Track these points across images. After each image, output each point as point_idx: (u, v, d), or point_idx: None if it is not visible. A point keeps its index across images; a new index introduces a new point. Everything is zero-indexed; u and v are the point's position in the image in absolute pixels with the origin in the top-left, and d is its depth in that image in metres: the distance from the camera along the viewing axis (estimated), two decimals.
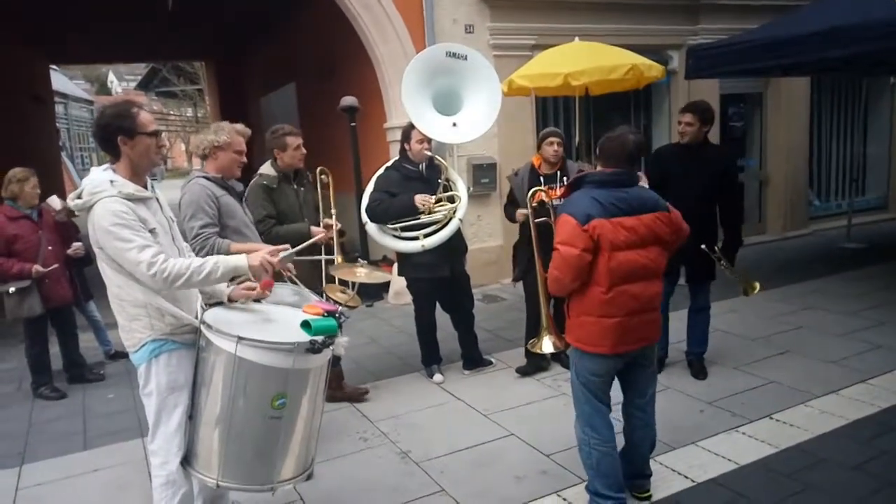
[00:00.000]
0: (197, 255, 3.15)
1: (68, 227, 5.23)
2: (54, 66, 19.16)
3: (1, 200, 4.95)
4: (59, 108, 22.18)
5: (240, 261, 2.64)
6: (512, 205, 4.77)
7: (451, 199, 4.63)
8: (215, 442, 2.58)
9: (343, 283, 4.30)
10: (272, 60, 13.01)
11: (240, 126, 3.67)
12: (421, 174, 4.65)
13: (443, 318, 4.98)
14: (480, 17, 7.33)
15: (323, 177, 4.42)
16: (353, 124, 6.95)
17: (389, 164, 4.82)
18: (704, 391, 4.42)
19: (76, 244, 5.15)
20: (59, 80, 23.23)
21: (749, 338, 5.40)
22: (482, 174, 7.34)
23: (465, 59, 4.81)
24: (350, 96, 6.91)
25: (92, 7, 10.47)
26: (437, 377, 4.88)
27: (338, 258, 4.15)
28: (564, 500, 3.28)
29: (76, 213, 2.61)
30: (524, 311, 4.95)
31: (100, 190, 2.49)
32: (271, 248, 2.80)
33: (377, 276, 4.41)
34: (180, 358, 2.64)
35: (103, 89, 42.21)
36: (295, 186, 4.28)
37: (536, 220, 4.24)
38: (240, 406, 2.53)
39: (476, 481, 3.48)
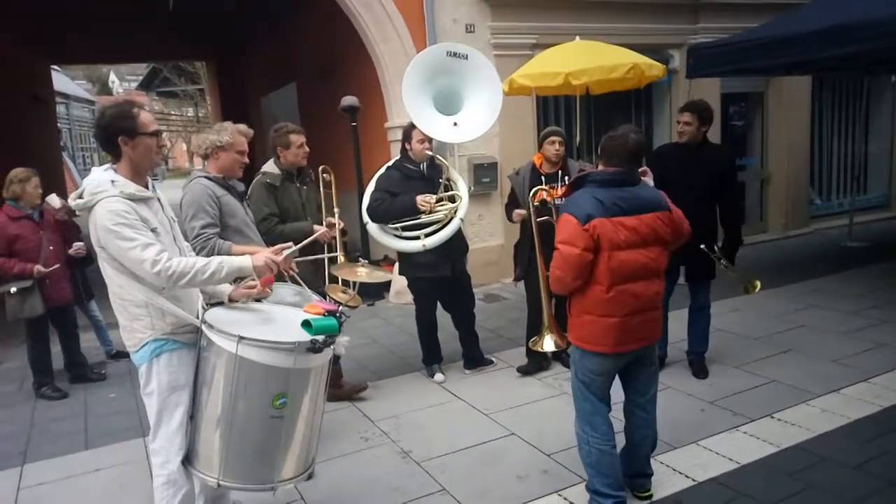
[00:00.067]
0: (197, 255, 3.16)
1: (70, 227, 5.23)
2: (56, 67, 19.19)
3: (2, 201, 4.96)
4: (60, 109, 22.21)
5: (244, 262, 2.65)
6: (513, 204, 4.77)
7: (452, 199, 4.63)
8: (216, 441, 2.58)
9: (344, 282, 4.30)
10: (273, 60, 13.01)
11: (242, 126, 3.67)
12: (422, 174, 4.65)
13: (444, 318, 4.98)
14: (481, 17, 7.33)
15: (325, 175, 4.42)
16: (353, 124, 6.96)
17: (390, 163, 4.82)
18: (705, 390, 4.42)
19: (78, 244, 5.15)
20: (61, 80, 23.25)
21: (750, 337, 5.40)
22: (483, 173, 7.35)
23: (466, 58, 4.81)
24: (351, 96, 6.91)
25: (92, 7, 10.49)
26: (438, 376, 4.89)
27: (341, 257, 4.16)
28: (566, 499, 3.28)
29: (77, 212, 2.61)
30: (525, 311, 4.96)
31: (101, 190, 2.49)
32: (273, 248, 2.81)
33: (378, 276, 4.42)
34: (181, 357, 2.65)
35: (105, 89, 42.22)
36: (298, 185, 4.28)
37: (538, 220, 4.24)
38: (241, 406, 2.53)
39: (477, 481, 3.48)
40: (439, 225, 4.55)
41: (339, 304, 3.74)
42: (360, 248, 6.65)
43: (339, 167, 4.59)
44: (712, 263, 4.43)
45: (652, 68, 5.63)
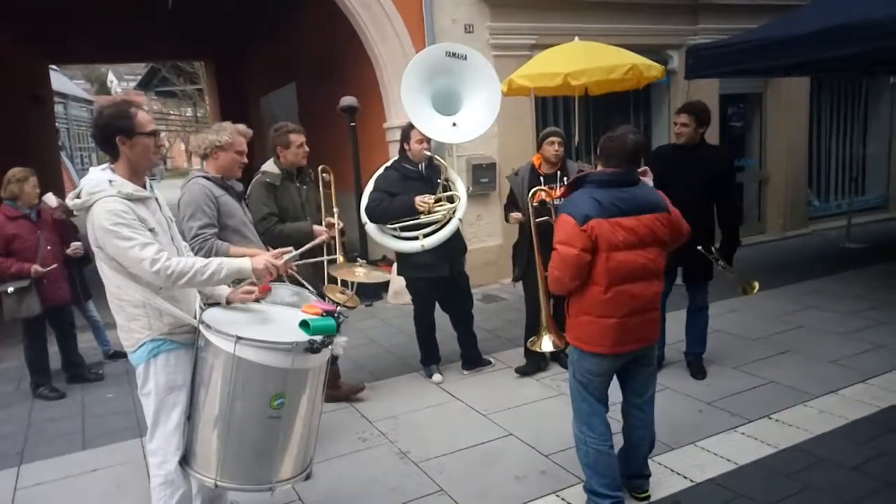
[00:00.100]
0: (195, 255, 3.15)
1: (67, 227, 5.23)
2: (54, 66, 19.17)
3: (0, 200, 4.95)
4: (58, 108, 22.17)
5: (244, 263, 2.65)
6: (512, 205, 4.76)
7: (451, 199, 4.63)
8: (214, 442, 2.57)
9: (342, 282, 4.30)
10: (272, 60, 13.01)
11: (241, 126, 3.67)
12: (420, 174, 4.65)
13: (442, 318, 4.97)
14: (480, 17, 7.33)
15: (325, 175, 4.41)
16: (352, 124, 6.95)
17: (389, 163, 4.82)
18: (703, 391, 4.42)
19: (75, 244, 5.14)
20: (59, 79, 23.23)
21: (748, 338, 5.40)
22: (482, 174, 7.34)
23: (465, 58, 4.81)
24: (349, 96, 6.91)
25: (92, 7, 10.48)
26: (437, 377, 4.88)
27: (340, 258, 4.15)
28: (563, 500, 3.28)
29: (75, 212, 2.61)
30: (523, 311, 4.95)
31: (98, 190, 2.49)
32: (273, 252, 2.80)
33: (376, 276, 4.41)
34: (179, 358, 2.64)
35: (103, 89, 42.19)
36: (298, 184, 4.27)
37: (537, 220, 4.24)
38: (238, 406, 2.53)
39: (475, 481, 3.48)
40: (438, 225, 4.55)
41: (337, 304, 3.74)
42: (358, 249, 6.64)
43: (338, 167, 4.58)
44: (710, 264, 4.43)
45: (651, 69, 5.63)
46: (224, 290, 2.85)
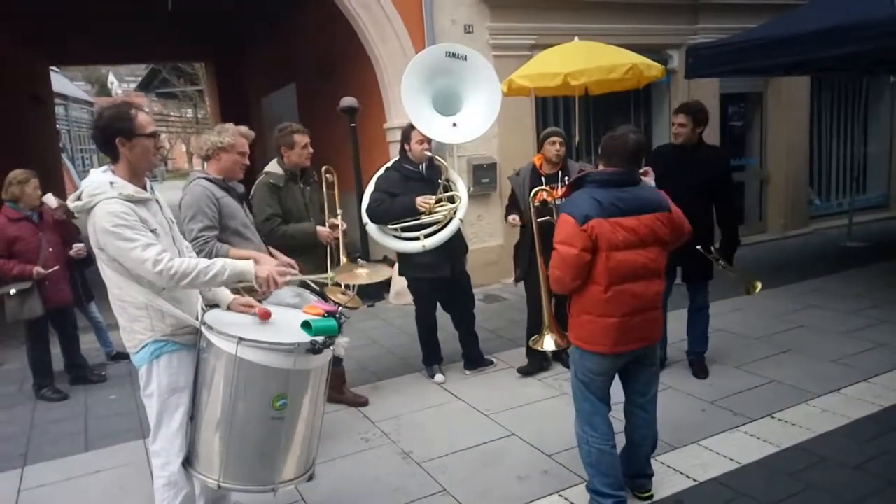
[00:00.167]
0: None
1: (70, 228, 5.23)
2: (55, 68, 19.18)
3: (1, 202, 4.95)
4: (59, 110, 22.20)
5: (247, 266, 2.65)
6: (513, 205, 4.77)
7: (452, 200, 4.63)
8: (216, 443, 2.58)
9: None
10: (272, 61, 13.01)
11: (243, 128, 3.66)
12: (421, 174, 4.65)
13: (444, 318, 4.98)
14: (480, 17, 7.33)
15: (328, 175, 4.41)
16: (353, 125, 6.96)
17: (389, 164, 4.82)
18: (706, 390, 4.42)
19: (78, 245, 5.14)
20: (60, 81, 23.25)
21: (750, 337, 5.40)
22: (482, 174, 7.35)
23: (465, 59, 4.81)
24: (350, 97, 6.91)
25: (91, 7, 10.48)
26: (439, 377, 4.88)
27: (343, 258, 4.14)
28: (566, 499, 3.28)
29: (76, 214, 2.61)
30: (525, 311, 4.96)
31: (100, 191, 2.49)
32: (279, 267, 2.79)
33: (379, 274, 4.34)
34: (181, 359, 2.65)
35: (104, 90, 42.21)
36: (301, 185, 4.27)
37: (539, 220, 4.24)
38: (241, 407, 2.53)
39: (477, 481, 3.48)
40: (439, 225, 4.55)
41: (339, 305, 3.73)
42: (359, 249, 6.65)
43: (339, 168, 4.58)
44: (709, 264, 4.43)
45: (651, 69, 5.64)
46: (226, 294, 2.86)
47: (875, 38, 5.00)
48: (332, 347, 2.61)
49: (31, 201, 4.90)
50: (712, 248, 4.39)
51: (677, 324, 4.74)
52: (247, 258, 2.88)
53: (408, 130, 4.66)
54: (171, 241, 2.72)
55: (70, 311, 5.30)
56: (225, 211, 3.52)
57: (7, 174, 4.90)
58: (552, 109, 8.07)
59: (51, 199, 5.02)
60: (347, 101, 6.86)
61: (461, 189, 4.72)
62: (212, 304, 2.84)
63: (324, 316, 2.67)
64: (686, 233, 3.12)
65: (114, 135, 2.53)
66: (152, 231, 2.55)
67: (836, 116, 10.40)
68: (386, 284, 6.94)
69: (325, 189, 4.38)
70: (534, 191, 4.28)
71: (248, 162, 3.64)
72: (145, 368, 2.63)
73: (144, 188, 2.63)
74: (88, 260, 5.08)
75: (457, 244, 4.76)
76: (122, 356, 5.57)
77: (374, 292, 7.04)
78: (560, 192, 4.32)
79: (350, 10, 6.92)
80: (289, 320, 2.74)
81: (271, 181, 4.13)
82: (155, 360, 2.61)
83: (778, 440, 3.70)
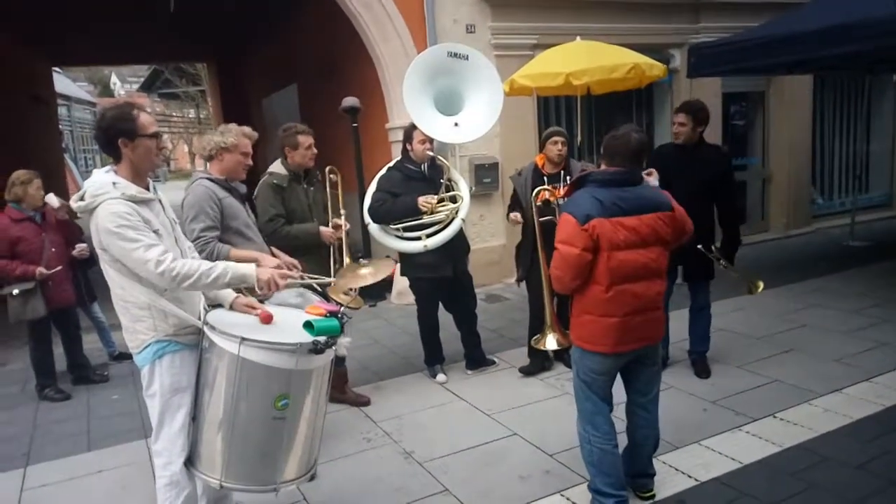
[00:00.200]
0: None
1: (73, 229, 5.24)
2: (57, 69, 19.21)
3: (4, 203, 4.96)
4: (62, 111, 22.27)
5: (248, 269, 2.65)
6: (515, 205, 4.77)
7: (454, 199, 4.63)
8: (218, 443, 2.58)
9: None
10: (273, 61, 13.02)
11: (247, 129, 3.67)
12: (423, 174, 4.65)
13: (446, 318, 4.98)
14: (481, 17, 7.33)
15: (332, 176, 4.40)
16: (354, 125, 6.96)
17: (391, 164, 4.82)
18: (707, 390, 4.42)
19: (81, 245, 5.15)
20: (62, 82, 23.31)
21: (752, 336, 5.39)
22: (484, 174, 7.35)
23: (467, 59, 4.81)
24: (351, 97, 6.91)
25: (92, 7, 10.49)
26: (441, 377, 4.89)
27: (347, 259, 4.14)
28: (568, 499, 3.28)
29: (79, 214, 2.62)
30: (527, 311, 4.96)
31: (102, 192, 2.50)
32: (280, 270, 2.79)
33: (383, 270, 4.31)
34: (183, 359, 2.65)
35: (106, 91, 42.30)
36: (305, 186, 4.27)
37: (541, 219, 4.24)
38: (243, 407, 2.53)
39: (479, 481, 3.48)
40: (441, 225, 4.55)
41: (341, 305, 3.73)
42: (361, 249, 6.65)
43: (340, 168, 4.58)
44: (711, 263, 4.42)
45: (653, 68, 5.63)
46: (228, 295, 2.86)
47: (876, 37, 5.00)
48: (334, 347, 2.61)
49: (34, 202, 4.91)
50: (713, 248, 4.38)
51: (679, 323, 4.73)
52: (248, 258, 2.89)
53: (410, 130, 4.67)
54: (174, 241, 2.72)
55: (73, 312, 5.31)
56: (227, 211, 3.52)
57: (8, 175, 4.91)
58: (554, 109, 8.07)
59: (53, 199, 5.03)
60: (349, 101, 6.86)
61: (463, 189, 4.72)
62: (214, 304, 2.85)
63: (326, 316, 2.68)
64: (688, 231, 3.12)
65: (116, 135, 2.53)
66: (155, 231, 2.55)
67: (839, 115, 10.38)
68: (388, 284, 6.95)
69: (328, 189, 4.38)
70: (536, 190, 4.29)
71: (251, 162, 3.64)
72: (148, 368, 2.63)
73: (147, 188, 2.63)
74: (91, 260, 5.10)
75: (459, 244, 4.76)
76: (125, 356, 5.57)
77: (375, 292, 7.04)
78: (562, 191, 4.32)
79: (351, 9, 6.92)
80: (291, 320, 2.74)
81: (275, 181, 4.13)
82: (157, 360, 2.61)
83: (780, 440, 3.69)
